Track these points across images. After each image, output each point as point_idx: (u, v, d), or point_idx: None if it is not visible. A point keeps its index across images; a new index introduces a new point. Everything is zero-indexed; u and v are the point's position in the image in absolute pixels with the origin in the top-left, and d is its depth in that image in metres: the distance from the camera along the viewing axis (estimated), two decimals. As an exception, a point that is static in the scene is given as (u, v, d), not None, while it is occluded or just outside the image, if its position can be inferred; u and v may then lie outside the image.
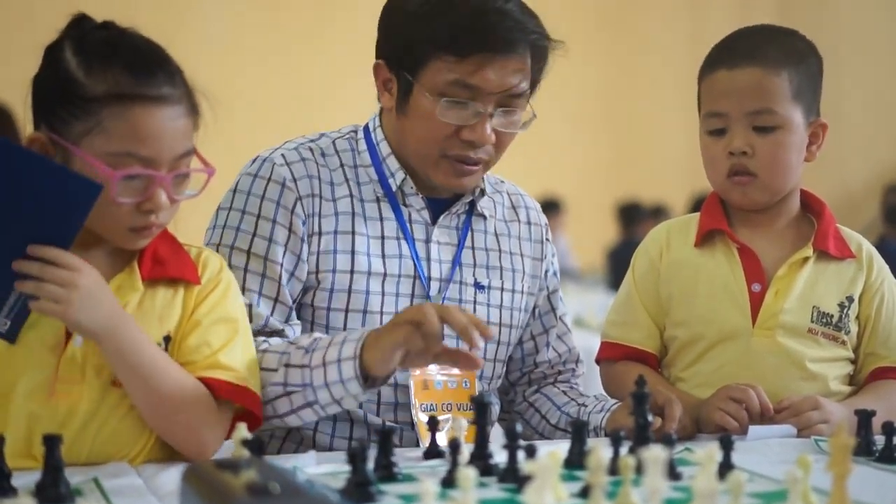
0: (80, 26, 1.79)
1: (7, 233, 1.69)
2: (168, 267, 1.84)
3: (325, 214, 2.13)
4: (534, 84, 2.15)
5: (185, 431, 1.79)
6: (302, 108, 9.05)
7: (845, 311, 2.19)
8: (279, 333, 2.08)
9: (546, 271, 2.38)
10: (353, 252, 2.13)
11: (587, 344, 4.37)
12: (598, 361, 2.35)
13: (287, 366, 1.93)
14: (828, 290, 2.19)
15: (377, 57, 2.17)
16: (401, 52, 2.12)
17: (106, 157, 1.71)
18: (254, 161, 2.18)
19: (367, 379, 1.90)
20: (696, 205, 10.16)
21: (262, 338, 2.03)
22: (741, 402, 2.04)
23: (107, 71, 1.73)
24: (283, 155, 2.16)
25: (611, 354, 2.31)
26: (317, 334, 2.02)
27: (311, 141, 2.22)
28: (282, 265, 2.09)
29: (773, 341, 2.15)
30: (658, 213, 10.06)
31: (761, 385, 2.07)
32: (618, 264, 9.26)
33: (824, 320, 2.18)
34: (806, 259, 2.19)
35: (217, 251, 2.08)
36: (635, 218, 9.71)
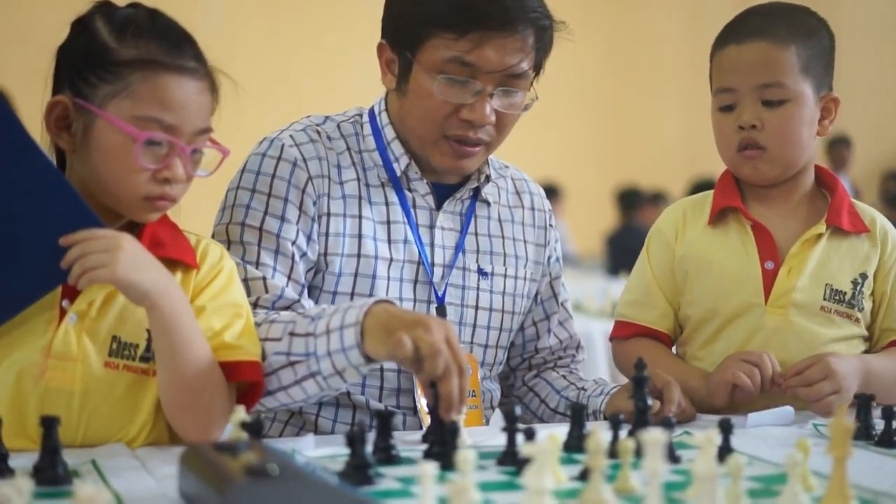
0: (109, 4, 1.83)
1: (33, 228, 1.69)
2: (167, 248, 1.83)
3: (334, 196, 2.12)
4: (538, 67, 2.13)
5: (202, 412, 1.76)
6: (305, 93, 9.04)
7: (859, 289, 2.19)
8: (293, 306, 2.06)
9: (549, 257, 2.37)
10: (360, 236, 2.12)
11: (586, 329, 4.40)
12: (611, 339, 2.36)
13: (292, 334, 1.89)
14: (841, 267, 2.19)
15: (381, 37, 2.16)
16: (401, 31, 2.11)
17: (131, 121, 1.74)
18: (261, 142, 2.16)
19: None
20: (695, 190, 10.17)
21: (273, 311, 2.01)
22: (755, 364, 2.06)
23: (138, 39, 1.77)
24: (291, 136, 2.14)
25: (624, 333, 2.31)
26: (325, 305, 2.00)
27: (317, 124, 2.20)
28: (294, 242, 2.08)
29: (785, 319, 2.15)
30: (656, 199, 10.08)
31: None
32: (616, 250, 9.28)
33: (837, 297, 2.17)
34: (819, 236, 2.19)
35: (227, 230, 2.08)
36: (634, 204, 9.72)
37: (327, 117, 2.23)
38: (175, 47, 1.79)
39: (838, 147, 9.16)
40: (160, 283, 1.72)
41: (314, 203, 2.10)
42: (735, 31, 2.20)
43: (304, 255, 2.09)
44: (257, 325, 1.91)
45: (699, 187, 9.61)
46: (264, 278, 2.04)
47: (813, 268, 2.17)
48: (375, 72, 2.18)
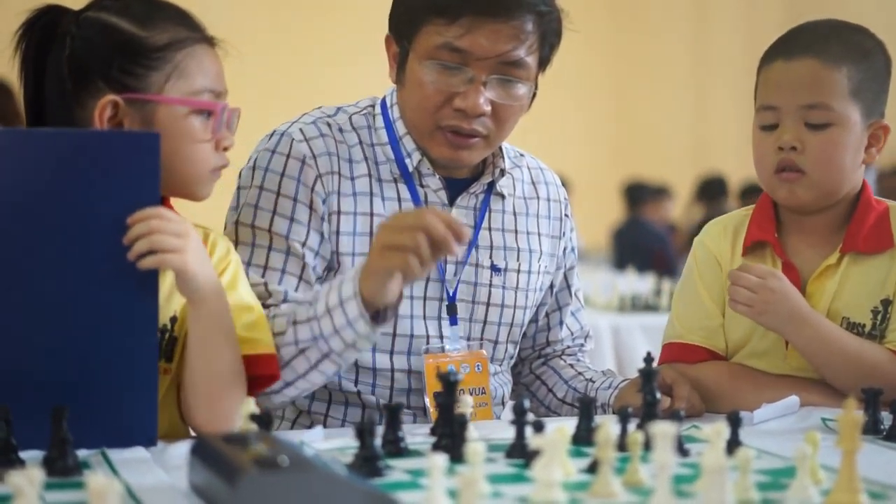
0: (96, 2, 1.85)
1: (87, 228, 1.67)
2: None
3: (345, 193, 2.09)
4: (543, 61, 2.09)
5: (225, 407, 1.75)
6: (312, 86, 9.03)
7: (880, 317, 2.07)
8: None
9: (564, 248, 2.33)
10: (371, 234, 2.09)
11: (593, 322, 4.37)
12: (666, 362, 2.17)
13: (295, 323, 1.89)
14: (857, 298, 2.09)
15: (388, 30, 2.14)
16: (399, 20, 2.09)
17: (191, 97, 1.79)
18: (271, 136, 2.14)
19: (377, 316, 1.87)
20: (703, 187, 10.10)
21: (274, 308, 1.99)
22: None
23: (159, 24, 1.81)
24: (301, 130, 2.11)
25: (692, 358, 2.15)
26: (318, 286, 1.99)
27: (329, 116, 2.16)
28: (304, 244, 2.05)
29: (805, 363, 2.07)
30: (662, 194, 10.07)
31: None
32: (623, 244, 9.29)
33: (856, 331, 2.07)
34: (833, 266, 2.10)
35: (237, 230, 2.07)
36: (640, 198, 9.72)
37: (339, 108, 2.20)
38: (189, 21, 1.85)
39: None
40: (212, 278, 1.74)
41: (323, 202, 2.07)
42: (785, 47, 2.10)
43: (316, 253, 2.07)
44: None
45: (705, 184, 9.63)
46: (265, 284, 2.03)
47: (828, 304, 2.09)
48: (383, 64, 2.17)
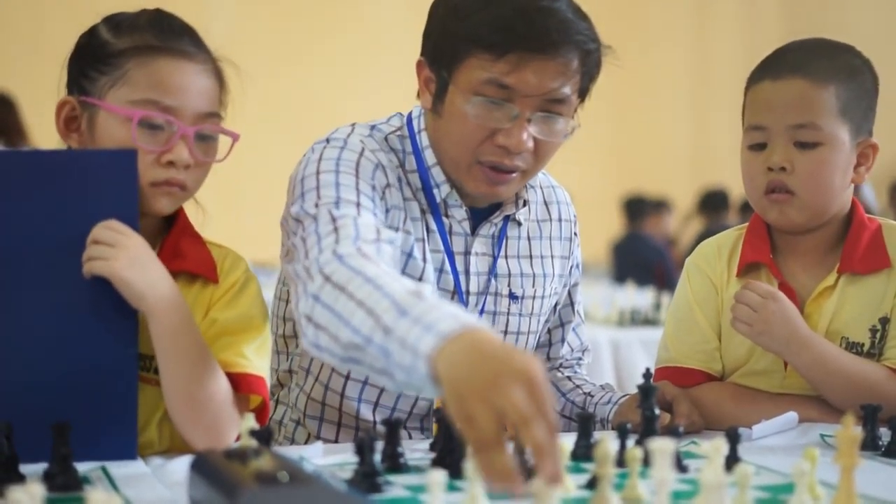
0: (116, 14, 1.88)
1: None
2: (187, 261, 1.84)
3: (396, 207, 2.02)
4: (583, 92, 2.02)
5: (209, 426, 1.76)
6: (315, 97, 9.05)
7: (878, 336, 2.08)
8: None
9: (571, 266, 2.31)
10: (409, 255, 2.04)
11: (592, 337, 4.37)
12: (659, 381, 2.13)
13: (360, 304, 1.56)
14: (855, 317, 2.09)
15: (421, 54, 2.05)
16: (439, 49, 1.99)
17: (129, 105, 1.78)
18: (329, 140, 2.01)
19: None
20: (704, 200, 10.04)
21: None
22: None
23: (134, 31, 1.82)
24: (361, 141, 2.01)
25: (689, 381, 2.14)
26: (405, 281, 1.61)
27: (368, 133, 2.06)
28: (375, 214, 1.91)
29: (804, 382, 2.07)
30: (661, 208, 10.08)
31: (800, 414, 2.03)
32: (622, 257, 9.28)
33: (855, 350, 2.07)
34: (831, 287, 2.10)
35: (308, 214, 1.85)
36: (640, 212, 9.72)
37: (373, 126, 2.10)
38: (170, 32, 1.83)
39: None
40: (160, 290, 1.72)
41: (387, 213, 2.00)
42: (772, 66, 2.09)
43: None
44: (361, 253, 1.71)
45: (707, 196, 9.63)
46: (355, 217, 1.83)
47: (826, 324, 2.08)
48: (385, 75, 2.16)
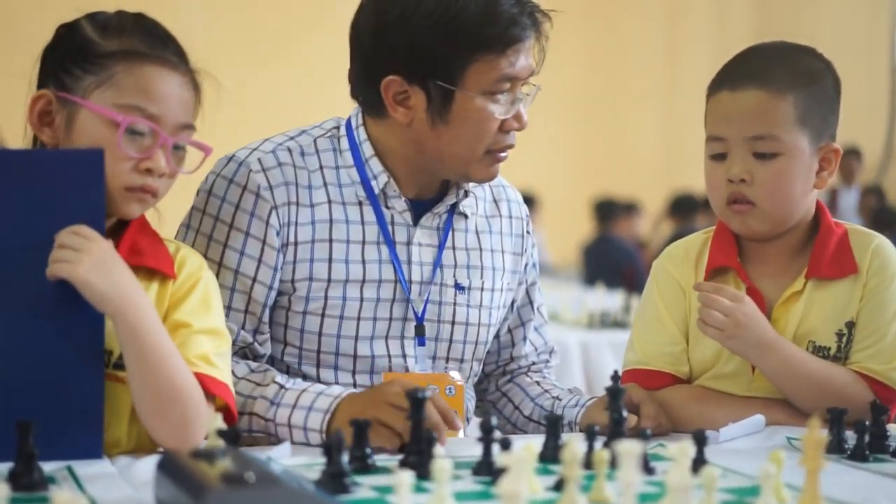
0: (96, 12, 1.87)
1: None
2: (146, 257, 1.84)
3: (302, 223, 2.09)
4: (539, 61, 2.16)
5: (177, 424, 1.74)
6: (283, 100, 9.04)
7: (844, 340, 2.09)
8: (249, 347, 2.08)
9: (526, 264, 2.35)
10: (329, 260, 2.10)
11: (562, 339, 4.41)
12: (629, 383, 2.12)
13: (251, 414, 1.98)
14: (822, 321, 2.10)
15: (382, 73, 2.06)
16: (433, 65, 2.04)
17: (114, 108, 1.77)
18: (229, 161, 2.12)
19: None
20: (674, 203, 10.06)
21: (234, 359, 2.01)
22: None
23: (122, 34, 1.82)
24: (259, 160, 2.09)
25: (656, 384, 2.13)
26: (281, 379, 2.01)
27: (291, 139, 2.15)
28: (254, 279, 2.06)
29: (771, 385, 2.08)
30: (632, 210, 10.12)
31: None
32: (593, 260, 9.31)
33: (822, 354, 2.08)
34: (796, 293, 2.10)
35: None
36: (610, 214, 9.75)
37: (304, 131, 2.19)
38: (158, 40, 1.84)
39: (846, 158, 8.99)
40: (125, 292, 1.72)
41: (278, 233, 2.07)
42: (731, 76, 2.10)
43: (269, 287, 2.08)
44: None
45: (677, 199, 9.66)
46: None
47: (794, 328, 2.09)
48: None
